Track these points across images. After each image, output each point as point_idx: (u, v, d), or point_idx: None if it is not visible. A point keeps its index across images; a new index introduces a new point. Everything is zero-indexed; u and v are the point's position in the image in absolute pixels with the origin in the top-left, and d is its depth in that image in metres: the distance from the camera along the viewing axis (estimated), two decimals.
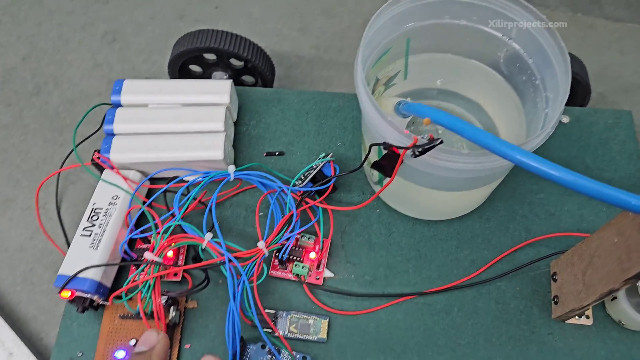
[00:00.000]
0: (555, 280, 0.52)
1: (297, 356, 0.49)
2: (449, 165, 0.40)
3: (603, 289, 0.42)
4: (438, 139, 0.39)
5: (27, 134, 0.74)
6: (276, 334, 0.50)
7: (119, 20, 0.83)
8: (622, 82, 0.77)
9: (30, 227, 0.68)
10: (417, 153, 0.40)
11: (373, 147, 0.45)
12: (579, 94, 0.64)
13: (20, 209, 0.69)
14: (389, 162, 0.44)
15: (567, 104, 0.60)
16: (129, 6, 0.84)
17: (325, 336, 0.51)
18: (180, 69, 0.67)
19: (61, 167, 0.66)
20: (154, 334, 0.42)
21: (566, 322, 0.51)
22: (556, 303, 0.51)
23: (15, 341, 0.60)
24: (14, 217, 0.69)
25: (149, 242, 0.53)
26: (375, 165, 0.45)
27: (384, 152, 0.43)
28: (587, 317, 0.51)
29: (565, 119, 0.61)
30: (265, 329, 0.50)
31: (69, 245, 0.64)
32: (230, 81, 0.57)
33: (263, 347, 0.50)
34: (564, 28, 0.79)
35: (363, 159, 0.49)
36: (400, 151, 0.41)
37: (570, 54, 0.52)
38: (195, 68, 0.68)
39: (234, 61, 0.67)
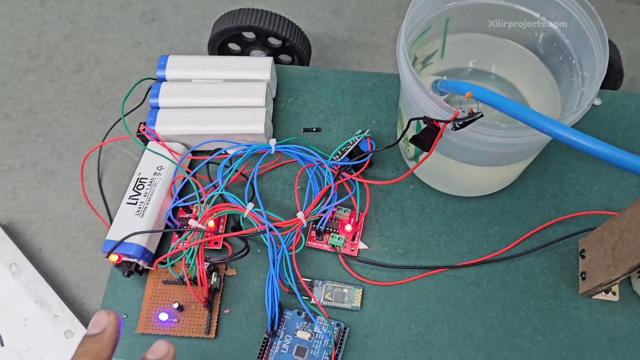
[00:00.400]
0: (583, 257, 0.53)
1: (332, 323, 0.51)
2: (487, 139, 0.42)
3: (633, 262, 0.44)
4: (479, 112, 0.41)
5: (69, 109, 0.77)
6: (312, 301, 0.52)
7: (156, 0, 0.86)
8: None
9: (73, 198, 0.71)
10: (458, 126, 0.41)
11: (412, 123, 0.46)
12: (611, 77, 0.65)
13: (64, 180, 0.72)
14: (428, 135, 0.45)
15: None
16: None
17: (359, 305, 0.53)
18: (219, 47, 0.69)
19: (103, 140, 0.68)
20: (104, 315, 0.38)
21: (593, 297, 0.53)
22: (584, 279, 0.52)
23: (59, 304, 0.63)
24: (57, 188, 0.72)
25: (190, 211, 0.55)
26: (414, 140, 0.47)
27: (423, 126, 0.45)
28: (614, 293, 0.53)
29: (598, 102, 0.62)
30: (302, 297, 0.52)
31: (110, 215, 0.67)
32: (270, 58, 0.59)
33: (299, 313, 0.52)
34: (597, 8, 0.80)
35: (400, 134, 0.50)
36: (441, 125, 0.43)
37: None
38: (234, 47, 0.70)
39: (272, 40, 0.68)
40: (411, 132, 0.48)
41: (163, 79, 0.60)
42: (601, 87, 0.65)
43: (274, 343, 0.51)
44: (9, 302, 0.64)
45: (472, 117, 0.41)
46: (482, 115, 0.41)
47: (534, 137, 0.42)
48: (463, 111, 0.41)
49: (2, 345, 0.63)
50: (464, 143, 0.44)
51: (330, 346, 0.50)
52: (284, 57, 0.72)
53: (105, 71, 0.80)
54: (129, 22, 0.84)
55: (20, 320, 0.64)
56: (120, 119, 0.63)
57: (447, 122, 0.42)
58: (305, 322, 0.52)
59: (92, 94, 0.78)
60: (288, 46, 0.67)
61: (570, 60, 0.50)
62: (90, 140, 0.75)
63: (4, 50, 0.81)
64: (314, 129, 0.61)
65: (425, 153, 0.47)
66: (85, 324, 0.63)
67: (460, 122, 0.41)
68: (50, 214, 0.70)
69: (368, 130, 0.58)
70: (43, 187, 0.72)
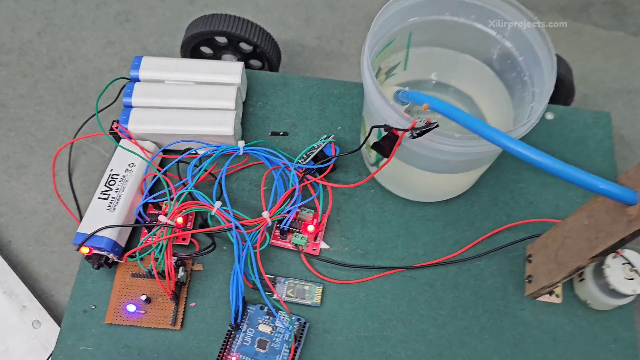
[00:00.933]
0: (530, 262, 0.57)
1: (293, 317, 0.54)
2: (442, 147, 0.45)
3: (572, 266, 0.47)
4: (435, 122, 0.44)
5: (41, 104, 0.78)
6: (275, 297, 0.55)
7: (131, 1, 0.87)
8: (604, 86, 0.83)
9: (43, 192, 0.72)
10: (415, 135, 0.44)
11: (373, 130, 0.49)
12: (562, 93, 0.69)
13: (34, 174, 0.73)
14: (388, 142, 0.48)
15: (551, 103, 0.65)
16: None
17: (319, 301, 0.55)
18: (192, 50, 0.71)
19: (74, 137, 0.70)
20: None
21: (537, 299, 0.57)
22: (530, 282, 0.56)
23: (28, 296, 0.65)
24: (27, 182, 0.73)
25: (159, 208, 0.57)
26: (375, 146, 0.50)
27: (384, 133, 0.48)
28: (557, 295, 0.57)
29: (550, 116, 0.66)
30: (265, 292, 0.54)
31: (79, 210, 0.69)
32: (241, 63, 0.62)
33: (262, 308, 0.55)
34: (554, 28, 0.84)
35: (362, 140, 0.54)
36: (400, 133, 0.46)
37: (557, 55, 0.57)
38: (206, 50, 0.73)
39: (243, 45, 0.71)
40: (373, 139, 0.51)
41: (137, 79, 0.61)
42: (554, 103, 0.70)
43: (237, 335, 0.54)
44: None
45: (428, 127, 0.44)
46: (437, 126, 0.44)
47: (485, 147, 0.45)
48: (421, 121, 0.44)
49: None
50: (421, 151, 0.48)
51: (290, 339, 0.53)
52: (255, 62, 0.74)
53: (79, 69, 0.81)
54: (103, 21, 0.86)
55: None
56: (92, 115, 0.65)
57: (405, 130, 0.45)
58: (268, 317, 0.55)
59: (64, 91, 0.80)
60: (259, 52, 0.70)
61: (522, 76, 0.53)
62: (61, 136, 0.76)
63: None
64: (282, 133, 0.64)
65: (385, 159, 0.50)
66: (53, 315, 0.64)
67: (418, 131, 0.44)
68: (20, 207, 0.71)
69: (333, 136, 0.61)
70: (13, 181, 0.73)
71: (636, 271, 0.52)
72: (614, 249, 0.42)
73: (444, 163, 0.51)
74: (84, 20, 0.86)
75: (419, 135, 0.44)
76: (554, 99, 0.71)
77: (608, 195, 0.39)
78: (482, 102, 0.60)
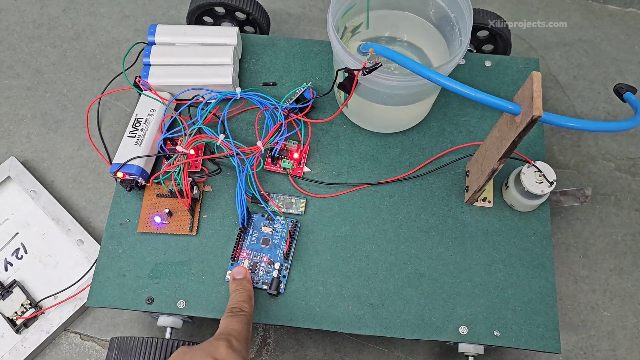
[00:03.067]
0: (467, 176, 0.73)
1: (287, 219, 0.70)
2: (386, 82, 0.61)
3: (489, 169, 0.63)
4: (379, 63, 0.59)
5: (70, 70, 0.93)
6: (272, 206, 0.70)
7: None
8: (545, 39, 0.98)
9: (77, 141, 0.88)
10: (365, 72, 0.60)
11: (339, 73, 0.65)
12: (501, 46, 0.84)
13: (69, 127, 0.89)
14: (349, 82, 0.64)
15: (492, 53, 0.81)
16: None
17: (303, 211, 0.71)
18: (196, 19, 0.86)
19: (103, 91, 0.85)
20: (241, 268, 0.66)
21: (474, 204, 0.72)
22: (467, 191, 0.72)
23: (71, 221, 0.80)
24: (64, 134, 0.88)
25: (176, 144, 0.73)
26: (340, 86, 0.65)
27: (346, 75, 0.63)
28: (489, 201, 0.72)
29: (488, 63, 0.81)
30: (265, 204, 0.70)
31: (108, 154, 0.84)
32: (237, 28, 0.77)
33: (263, 215, 0.71)
34: None
35: (332, 83, 0.69)
36: (355, 72, 0.61)
37: (495, 14, 0.74)
38: (207, 19, 0.87)
39: (238, 14, 0.86)
40: (339, 81, 0.66)
41: (153, 43, 0.77)
42: (494, 52, 0.84)
43: (245, 237, 0.70)
44: (30, 220, 0.81)
45: (374, 66, 0.59)
46: (381, 65, 0.59)
47: (419, 81, 0.60)
48: (369, 62, 0.60)
49: (26, 252, 0.80)
50: (373, 87, 0.63)
51: (286, 236, 0.69)
52: (249, 28, 0.89)
53: (100, 39, 0.97)
54: None
55: (40, 234, 0.81)
56: (117, 75, 0.81)
57: (359, 70, 0.61)
58: (268, 221, 0.70)
59: (89, 58, 0.95)
60: (251, 19, 0.85)
61: (454, 29, 0.68)
62: (89, 95, 0.91)
63: (12, 20, 0.97)
64: (271, 83, 0.79)
65: (348, 95, 0.65)
66: (93, 236, 0.80)
67: (367, 70, 0.60)
68: (59, 153, 0.87)
69: (311, 83, 0.76)
70: (52, 133, 0.88)
71: (544, 176, 0.68)
72: (511, 150, 0.58)
73: (393, 97, 0.66)
74: None
75: (369, 72, 0.60)
76: (495, 51, 0.86)
77: (503, 109, 0.55)
78: (430, 52, 0.75)
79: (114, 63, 0.94)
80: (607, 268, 0.82)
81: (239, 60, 0.80)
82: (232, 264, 0.68)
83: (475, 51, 0.86)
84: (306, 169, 0.73)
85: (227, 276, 0.67)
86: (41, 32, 0.97)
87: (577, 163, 0.88)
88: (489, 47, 0.86)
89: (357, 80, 0.63)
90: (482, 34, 0.84)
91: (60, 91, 0.92)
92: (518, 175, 0.69)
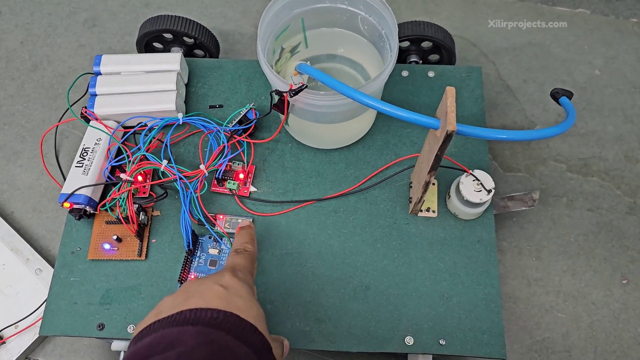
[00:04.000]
0: (411, 187, 0.74)
1: (232, 240, 0.71)
2: (315, 102, 0.62)
3: (423, 181, 0.64)
4: (305, 85, 0.61)
5: (28, 101, 0.95)
6: (217, 229, 0.72)
7: (96, 9, 1.04)
8: (494, 45, 0.99)
9: (36, 171, 0.90)
10: (292, 94, 0.61)
11: (274, 94, 0.66)
12: (445, 56, 0.86)
13: (27, 158, 0.91)
14: (281, 103, 0.65)
15: (437, 64, 0.82)
16: None
17: None
18: (146, 45, 0.88)
19: (59, 120, 0.87)
20: (246, 220, 0.71)
21: (418, 215, 0.73)
22: (410, 202, 0.73)
23: (30, 251, 0.82)
24: (23, 164, 0.90)
25: (124, 171, 0.74)
26: (274, 107, 0.67)
27: (278, 97, 0.65)
28: (434, 211, 0.73)
29: (431, 74, 0.82)
30: (210, 226, 0.71)
31: None
32: (179, 54, 0.79)
33: (210, 237, 0.72)
34: (450, 1, 1.00)
35: (270, 105, 0.70)
36: (284, 94, 0.63)
37: (437, 25, 0.75)
38: (157, 45, 0.89)
39: (186, 39, 0.87)
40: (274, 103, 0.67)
41: (99, 73, 0.78)
42: (440, 64, 0.86)
43: (193, 259, 0.71)
44: None
45: (300, 88, 0.61)
46: (306, 86, 0.61)
47: (345, 99, 0.61)
48: (296, 84, 0.61)
49: None
50: (305, 107, 0.64)
51: None
52: (198, 52, 0.90)
53: (57, 69, 0.98)
54: (74, 28, 1.02)
55: (0, 265, 0.82)
56: (67, 109, 0.82)
57: (287, 92, 0.62)
58: (214, 242, 0.72)
59: (46, 89, 0.96)
60: (198, 43, 0.86)
61: (386, 44, 0.70)
62: (47, 125, 0.93)
63: None
64: (218, 106, 0.81)
65: (283, 116, 0.66)
66: (51, 264, 0.82)
67: (293, 92, 0.61)
68: (18, 184, 0.88)
69: (254, 104, 0.78)
70: (10, 165, 0.90)
71: (481, 184, 0.69)
72: (437, 162, 0.59)
73: (327, 115, 0.67)
74: (58, 29, 1.02)
75: (295, 94, 0.61)
76: (440, 61, 0.87)
77: (423, 124, 0.56)
78: (369, 67, 0.77)
79: (71, 93, 0.96)
80: (560, 269, 0.82)
81: (186, 84, 0.81)
82: (179, 286, 0.69)
83: (421, 62, 0.88)
84: (252, 189, 0.75)
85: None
86: None
87: (529, 166, 0.89)
88: (435, 57, 0.88)
89: (289, 102, 0.64)
90: (427, 44, 0.85)
91: (18, 122, 0.94)
92: (458, 185, 0.70)
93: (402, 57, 0.86)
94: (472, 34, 1.00)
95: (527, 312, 0.80)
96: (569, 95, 0.68)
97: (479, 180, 0.69)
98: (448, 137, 0.54)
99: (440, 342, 0.67)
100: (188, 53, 0.89)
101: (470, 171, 0.69)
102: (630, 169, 0.88)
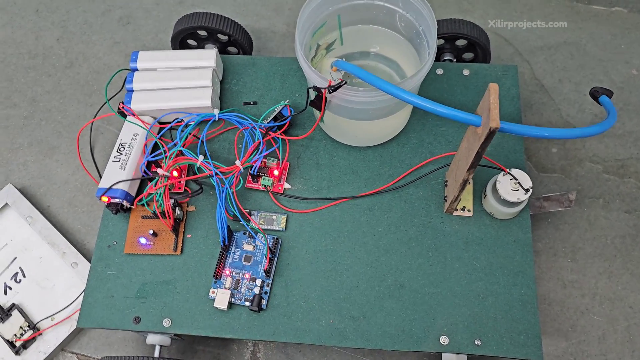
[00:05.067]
0: (446, 185, 0.74)
1: (268, 236, 0.71)
2: (353, 98, 0.62)
3: (461, 178, 0.64)
4: (344, 81, 0.61)
5: (64, 97, 0.96)
6: (252, 224, 0.72)
7: (130, 7, 1.05)
8: (529, 44, 0.98)
9: (72, 166, 0.91)
10: (331, 90, 0.61)
11: (310, 91, 0.66)
12: (480, 54, 0.85)
13: (63, 153, 0.92)
14: (319, 100, 0.65)
15: (472, 62, 0.82)
16: None
17: (284, 227, 0.72)
18: (180, 42, 0.88)
19: (94, 116, 0.88)
20: None
21: (453, 214, 0.73)
22: (445, 201, 0.73)
23: (66, 244, 0.83)
24: (59, 159, 0.91)
25: (159, 166, 0.75)
26: (312, 103, 0.67)
27: (315, 93, 0.65)
28: (469, 210, 0.73)
29: (467, 72, 0.82)
30: (245, 221, 0.71)
31: (101, 177, 0.87)
32: (215, 50, 0.79)
33: (244, 233, 0.72)
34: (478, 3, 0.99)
35: (306, 101, 0.70)
36: (323, 90, 0.63)
37: (473, 23, 0.74)
38: (191, 42, 0.90)
39: (220, 36, 0.88)
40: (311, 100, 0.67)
41: (135, 69, 0.79)
42: (474, 61, 0.85)
43: (228, 255, 0.71)
44: (27, 245, 0.84)
45: (339, 84, 0.61)
46: (345, 83, 0.61)
47: (384, 96, 0.61)
48: (335, 81, 0.61)
49: (24, 276, 0.83)
50: (343, 103, 0.64)
51: (266, 252, 0.70)
52: (232, 49, 0.91)
53: (92, 66, 0.99)
54: (109, 25, 1.03)
55: (37, 258, 0.83)
56: (104, 103, 0.83)
57: (325, 88, 0.62)
58: (249, 239, 0.72)
59: (82, 85, 0.98)
60: (232, 40, 0.87)
61: (423, 41, 0.69)
62: (82, 121, 0.94)
63: (8, 52, 1.00)
64: (252, 102, 0.81)
65: (319, 112, 0.66)
66: (87, 258, 0.82)
67: (333, 88, 0.61)
68: (54, 179, 0.90)
69: (289, 100, 0.78)
70: (47, 159, 0.91)
71: (519, 184, 0.68)
72: (477, 160, 0.59)
73: (364, 112, 0.67)
74: (93, 26, 1.04)
75: (334, 90, 0.61)
76: (475, 59, 0.87)
77: (464, 121, 0.56)
78: (404, 64, 0.76)
79: (107, 89, 0.97)
80: (597, 272, 0.81)
81: (220, 81, 0.82)
82: (214, 282, 0.70)
83: (455, 60, 0.87)
84: (287, 186, 0.75)
85: (210, 294, 0.69)
86: (36, 62, 1.00)
87: (564, 166, 0.88)
88: (469, 55, 0.87)
89: (326, 98, 0.64)
90: (461, 42, 0.85)
91: (55, 118, 0.95)
92: (495, 184, 0.69)
93: (437, 55, 0.85)
94: (506, 33, 0.99)
95: (562, 315, 0.79)
96: (609, 94, 0.66)
97: (516, 179, 0.68)
98: (491, 134, 0.53)
99: (476, 342, 0.66)
100: (221, 51, 0.90)
101: (508, 170, 0.69)
102: None
